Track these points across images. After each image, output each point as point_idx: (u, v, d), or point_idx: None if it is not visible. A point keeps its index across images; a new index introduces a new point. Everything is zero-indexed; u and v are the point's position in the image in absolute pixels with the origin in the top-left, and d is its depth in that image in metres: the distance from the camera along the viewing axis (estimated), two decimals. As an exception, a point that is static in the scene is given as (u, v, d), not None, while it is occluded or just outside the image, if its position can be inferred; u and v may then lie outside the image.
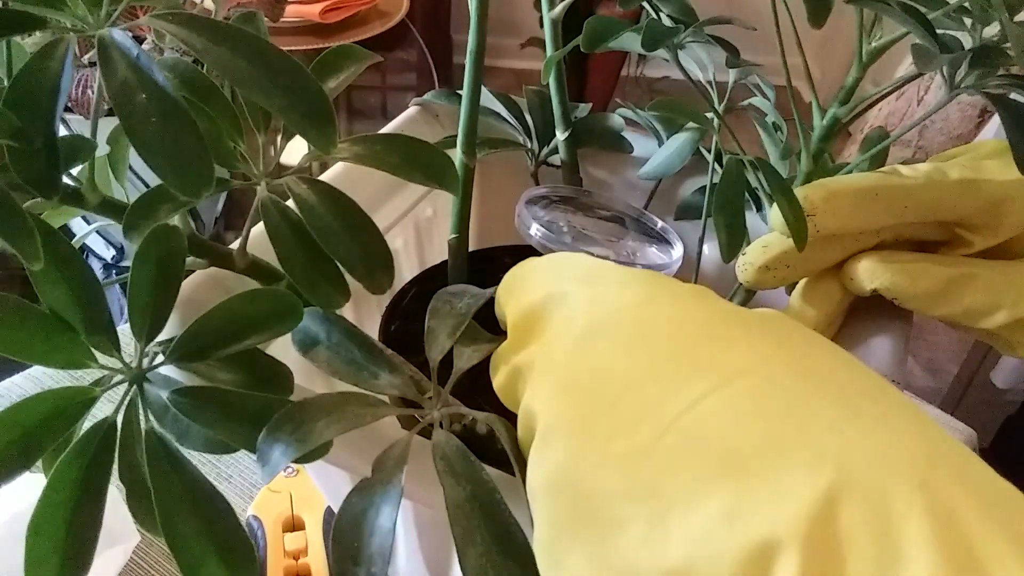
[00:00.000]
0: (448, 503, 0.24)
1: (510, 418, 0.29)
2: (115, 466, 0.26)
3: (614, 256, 0.41)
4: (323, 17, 1.33)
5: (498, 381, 0.27)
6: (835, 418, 0.18)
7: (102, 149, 0.35)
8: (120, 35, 0.21)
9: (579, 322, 0.23)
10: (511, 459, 0.25)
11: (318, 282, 0.28)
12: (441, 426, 0.27)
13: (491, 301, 0.31)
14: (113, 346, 0.25)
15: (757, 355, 0.20)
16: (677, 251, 0.43)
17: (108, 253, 1.21)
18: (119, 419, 0.25)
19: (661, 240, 0.45)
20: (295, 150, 0.30)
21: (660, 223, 0.46)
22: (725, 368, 0.20)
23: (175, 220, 0.29)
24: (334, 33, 1.38)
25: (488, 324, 0.32)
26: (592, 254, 0.38)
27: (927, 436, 0.18)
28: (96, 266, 1.22)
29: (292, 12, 1.31)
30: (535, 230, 0.40)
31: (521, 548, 0.23)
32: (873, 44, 0.34)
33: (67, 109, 0.83)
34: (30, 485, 0.24)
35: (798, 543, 0.16)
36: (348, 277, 0.29)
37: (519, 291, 0.27)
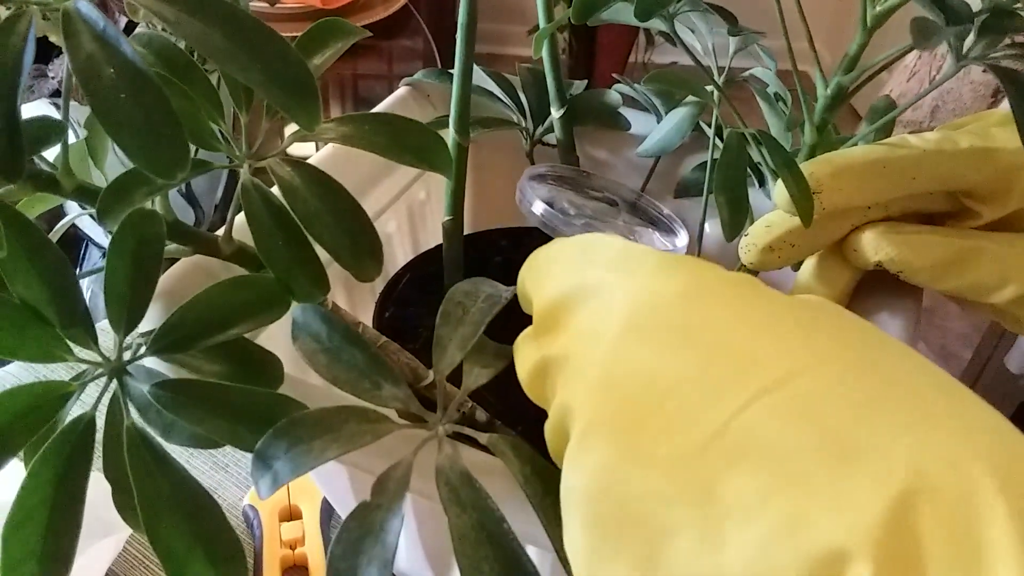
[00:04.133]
0: (453, 532, 0.23)
1: (522, 417, 0.28)
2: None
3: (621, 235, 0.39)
4: (324, 2, 1.31)
5: (524, 373, 0.25)
6: (904, 417, 0.17)
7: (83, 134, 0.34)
8: (85, 7, 0.19)
9: (618, 316, 0.21)
10: (520, 483, 0.24)
11: (296, 273, 0.26)
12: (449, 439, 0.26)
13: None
14: (90, 338, 0.24)
15: (816, 351, 0.19)
16: (681, 239, 0.41)
17: (107, 241, 1.19)
18: (98, 415, 0.24)
19: (665, 227, 0.43)
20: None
21: (665, 210, 0.44)
22: (783, 366, 0.19)
23: (155, 206, 0.28)
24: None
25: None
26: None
27: (1003, 434, 0.17)
28: (96, 255, 1.21)
29: (292, -3, 1.29)
30: (538, 207, 0.38)
31: (532, 578, 0.22)
32: (878, 8, 0.33)
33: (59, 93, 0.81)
34: (16, 474, 0.23)
35: (870, 552, 0.15)
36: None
37: (546, 276, 0.26)
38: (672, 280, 0.22)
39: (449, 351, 0.27)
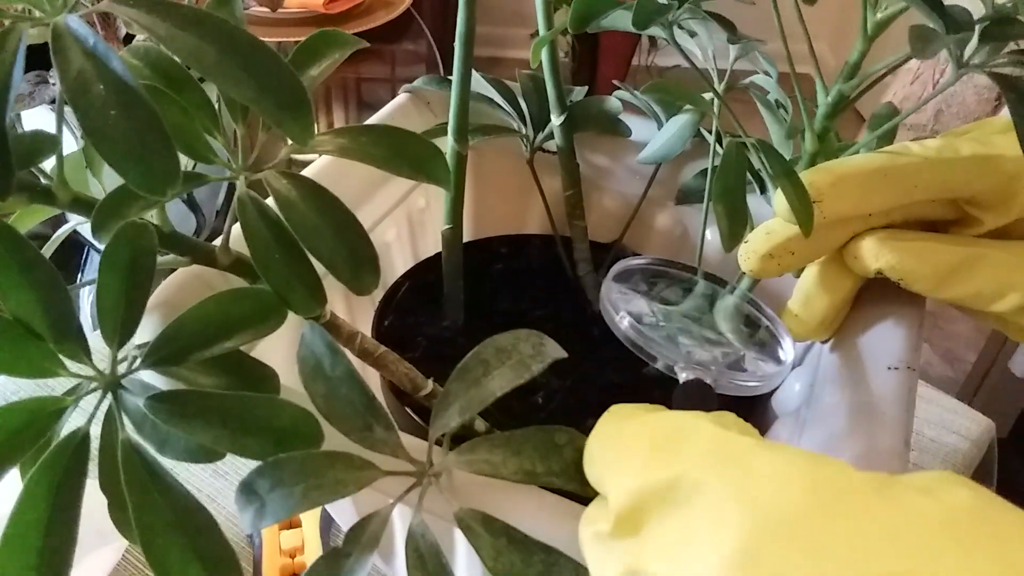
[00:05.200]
0: None
1: (521, 427, 0.28)
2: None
3: (709, 358, 0.35)
4: (327, 7, 1.31)
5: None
6: None
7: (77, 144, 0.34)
8: (76, 22, 0.19)
9: (730, 531, 0.18)
10: (489, 564, 0.24)
11: (294, 286, 0.26)
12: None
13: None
14: (83, 353, 0.24)
15: None
16: (786, 352, 0.37)
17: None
18: (92, 429, 0.24)
19: (766, 338, 0.38)
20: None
21: (768, 310, 0.39)
22: None
23: (152, 216, 0.28)
24: (338, 23, 1.35)
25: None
26: (688, 358, 0.33)
27: None
28: (97, 260, 1.21)
29: (295, 2, 1.29)
30: (624, 321, 0.34)
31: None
32: (879, 16, 0.32)
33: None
34: (14, 487, 0.23)
35: None
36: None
37: (625, 460, 0.22)
38: (792, 490, 0.19)
39: (449, 412, 0.26)
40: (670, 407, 0.27)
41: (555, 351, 0.27)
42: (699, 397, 0.31)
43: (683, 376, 0.32)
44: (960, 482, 0.19)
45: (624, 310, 0.35)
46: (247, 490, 0.23)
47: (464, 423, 0.27)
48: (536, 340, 0.27)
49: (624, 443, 0.23)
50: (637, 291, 0.38)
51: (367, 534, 0.24)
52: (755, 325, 0.39)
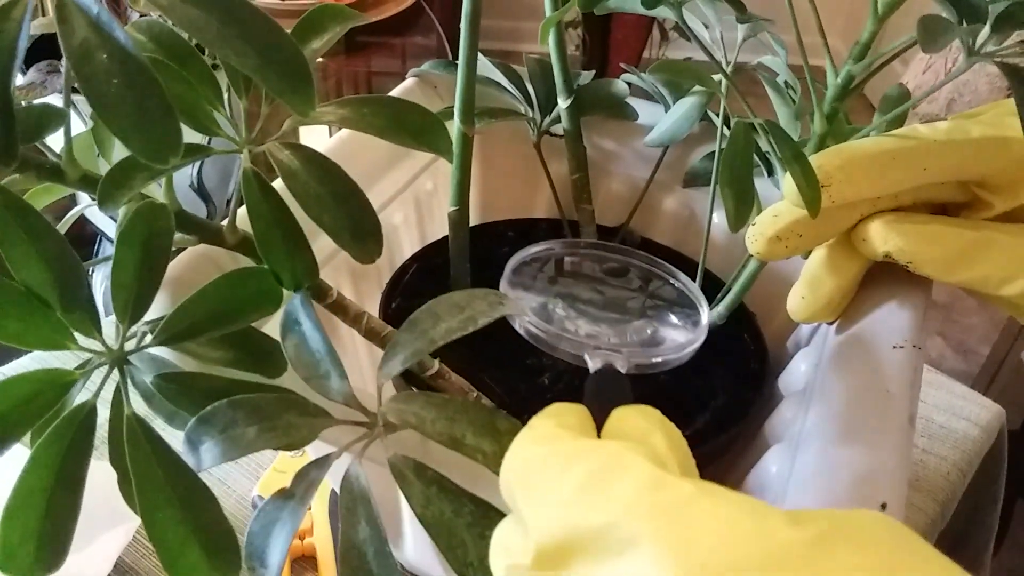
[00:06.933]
0: (341, 538, 0.23)
1: (527, 406, 0.27)
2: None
3: (617, 341, 0.34)
4: (335, -1, 1.32)
5: None
6: None
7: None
8: (80, -8, 0.19)
9: None
10: (418, 510, 0.24)
11: (284, 263, 0.26)
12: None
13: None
14: (93, 325, 0.24)
15: None
16: (701, 315, 0.35)
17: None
18: (99, 403, 0.24)
19: (680, 303, 0.36)
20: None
21: (681, 276, 0.38)
22: None
23: (161, 196, 0.28)
24: (347, 15, 1.36)
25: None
26: (594, 345, 0.32)
27: None
28: (110, 251, 1.22)
29: (303, -6, 1.30)
30: (521, 321, 0.32)
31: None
32: (890, -5, 0.32)
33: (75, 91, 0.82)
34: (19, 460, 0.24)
35: None
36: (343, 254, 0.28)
37: (546, 493, 0.21)
38: (730, 548, 0.17)
39: (393, 361, 0.25)
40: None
41: (513, 308, 0.27)
42: (611, 388, 0.29)
43: (592, 364, 0.30)
44: (891, 532, 0.18)
45: (524, 308, 0.33)
46: (200, 428, 0.23)
47: (410, 368, 0.27)
48: (494, 299, 0.27)
49: (547, 474, 0.21)
50: (537, 283, 0.36)
51: (311, 477, 0.24)
52: (668, 291, 0.38)
